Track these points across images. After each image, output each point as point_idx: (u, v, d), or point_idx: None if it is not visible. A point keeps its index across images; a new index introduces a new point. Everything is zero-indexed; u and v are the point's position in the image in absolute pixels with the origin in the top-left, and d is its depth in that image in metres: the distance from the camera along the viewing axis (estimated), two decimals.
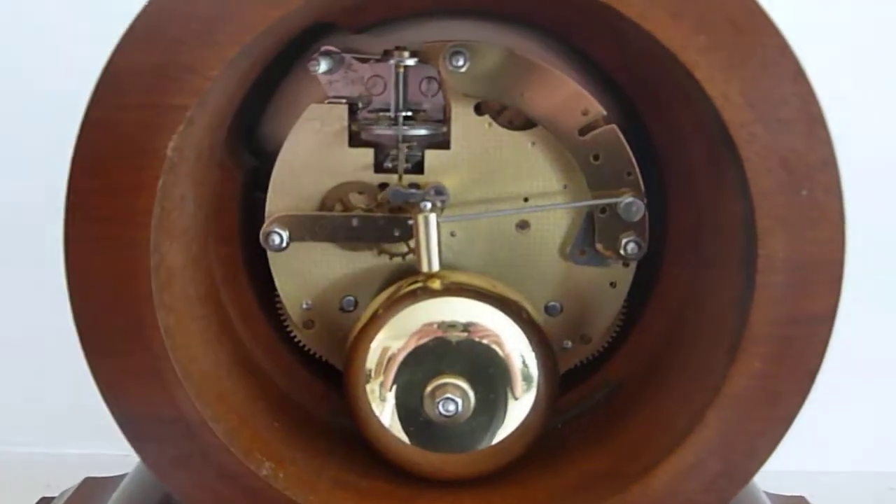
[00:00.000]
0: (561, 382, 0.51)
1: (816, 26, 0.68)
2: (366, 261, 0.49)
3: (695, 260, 0.48)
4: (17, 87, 0.71)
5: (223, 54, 0.37)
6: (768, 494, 0.60)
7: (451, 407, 0.44)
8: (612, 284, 0.49)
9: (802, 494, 0.60)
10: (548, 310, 0.49)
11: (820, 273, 0.39)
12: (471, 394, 0.44)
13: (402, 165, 0.46)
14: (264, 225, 0.47)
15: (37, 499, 0.59)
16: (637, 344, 0.51)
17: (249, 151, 0.50)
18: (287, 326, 0.50)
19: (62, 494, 0.57)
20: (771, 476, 0.78)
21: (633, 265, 0.49)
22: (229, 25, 0.37)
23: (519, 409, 0.45)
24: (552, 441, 0.50)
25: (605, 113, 0.45)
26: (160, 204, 0.39)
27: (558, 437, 0.50)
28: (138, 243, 0.39)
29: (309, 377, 0.51)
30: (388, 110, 0.46)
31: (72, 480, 0.58)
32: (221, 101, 0.42)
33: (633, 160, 0.46)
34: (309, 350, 0.50)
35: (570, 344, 0.50)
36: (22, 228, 0.69)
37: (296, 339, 0.50)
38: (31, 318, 0.61)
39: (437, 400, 0.44)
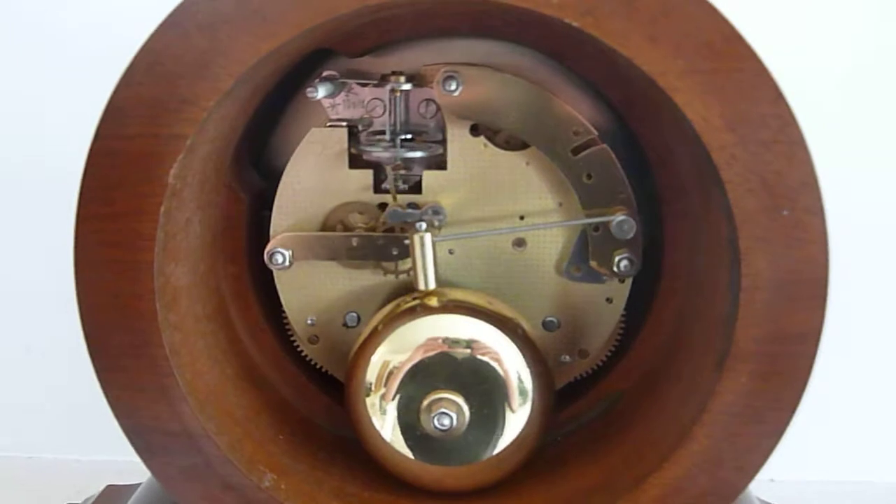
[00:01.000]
0: (560, 396, 0.52)
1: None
2: (367, 278, 0.50)
3: (690, 276, 0.49)
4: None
5: (218, 86, 0.39)
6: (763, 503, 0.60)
7: (446, 421, 0.45)
8: (609, 300, 0.50)
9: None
10: (545, 325, 0.50)
11: (804, 292, 0.40)
12: (465, 408, 0.45)
13: (395, 187, 0.48)
14: (268, 245, 0.48)
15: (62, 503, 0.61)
16: (635, 359, 0.52)
17: (258, 173, 0.52)
18: (294, 341, 0.52)
19: (87, 500, 0.60)
20: (766, 485, 0.79)
21: (629, 281, 0.49)
22: (223, 59, 0.38)
23: (515, 423, 0.46)
24: (550, 454, 0.51)
25: (596, 133, 0.46)
26: (163, 229, 0.41)
27: (557, 450, 0.51)
28: (142, 266, 0.41)
29: (315, 390, 0.53)
30: (393, 133, 0.48)
31: (98, 486, 0.61)
32: (223, 128, 0.44)
33: (625, 179, 0.47)
34: (315, 364, 0.52)
35: (567, 358, 0.51)
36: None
37: (302, 354, 0.52)
38: (60, 327, 0.64)
39: (433, 414, 0.45)
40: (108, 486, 0.60)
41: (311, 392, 0.53)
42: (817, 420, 0.79)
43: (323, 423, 0.52)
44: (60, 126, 0.68)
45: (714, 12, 0.37)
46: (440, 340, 0.46)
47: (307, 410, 0.52)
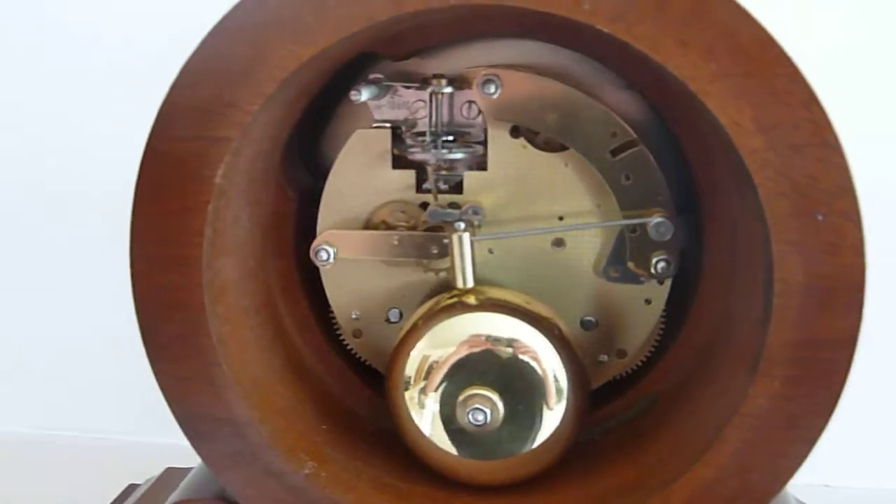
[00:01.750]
0: (600, 395, 0.53)
1: None
2: (409, 276, 0.52)
3: (729, 278, 0.48)
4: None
5: (261, 91, 0.41)
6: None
7: (480, 417, 0.46)
8: (648, 301, 0.50)
9: None
10: (583, 324, 0.51)
11: (839, 298, 0.39)
12: (500, 405, 0.46)
13: (436, 187, 0.49)
14: (314, 242, 0.50)
15: (126, 484, 0.65)
16: (673, 359, 0.52)
17: (310, 171, 0.54)
18: (339, 335, 0.54)
19: (147, 481, 0.63)
20: (820, 490, 0.77)
21: (668, 283, 0.50)
22: (264, 65, 0.40)
23: (549, 420, 0.47)
24: (588, 451, 0.51)
25: (634, 135, 0.46)
26: (212, 225, 0.43)
27: (595, 448, 0.52)
28: (192, 261, 0.43)
29: (358, 383, 0.54)
30: (435, 134, 0.49)
31: (159, 468, 0.64)
32: (269, 130, 0.46)
33: (664, 181, 0.47)
34: (359, 357, 0.54)
35: (605, 358, 0.51)
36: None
37: (348, 347, 0.54)
38: (124, 315, 0.67)
39: (467, 409, 0.46)
40: (168, 469, 0.63)
41: (354, 384, 0.54)
42: (874, 426, 0.78)
43: (366, 415, 0.54)
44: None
45: (746, 16, 0.37)
46: (478, 338, 0.47)
47: (351, 402, 0.54)
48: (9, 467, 0.78)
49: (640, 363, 0.52)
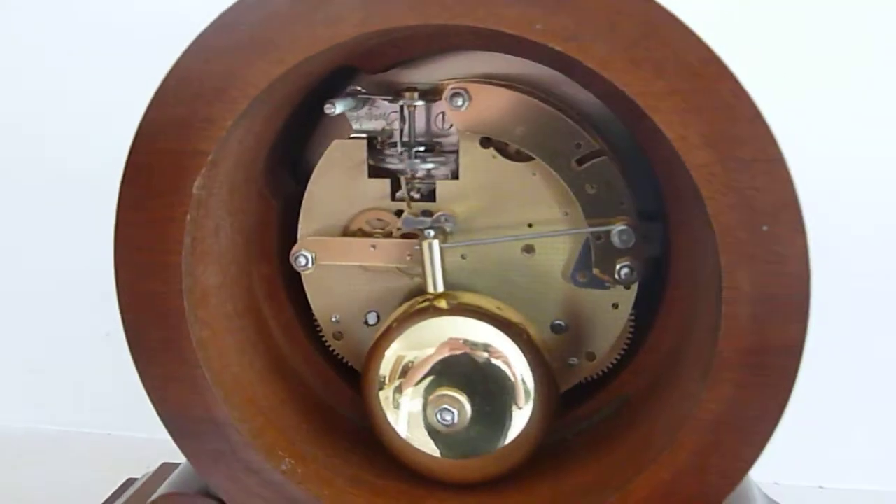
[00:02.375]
0: (572, 396, 0.55)
1: None
2: (387, 281, 0.53)
3: (693, 285, 0.50)
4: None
5: (235, 107, 0.43)
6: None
7: (448, 416, 0.48)
8: (615, 306, 0.52)
9: None
10: (554, 328, 0.53)
11: (786, 306, 0.41)
12: (467, 405, 0.48)
13: (409, 196, 0.51)
14: (293, 248, 0.52)
15: (125, 478, 0.68)
16: (642, 363, 0.53)
17: (296, 178, 0.56)
18: (323, 338, 0.56)
19: (144, 476, 0.66)
20: (815, 492, 0.78)
21: (635, 288, 0.51)
22: (238, 83, 0.42)
23: (518, 421, 0.49)
24: (560, 451, 0.53)
25: (597, 146, 0.48)
26: (190, 234, 0.45)
27: (566, 448, 0.54)
28: (171, 268, 0.45)
29: (341, 383, 0.57)
30: (407, 145, 0.51)
31: (156, 463, 0.67)
32: (248, 142, 0.48)
33: (627, 190, 0.48)
34: (341, 358, 0.56)
35: (575, 360, 0.53)
36: None
37: (330, 349, 0.56)
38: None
39: (436, 410, 0.48)
40: (164, 464, 0.65)
41: (337, 385, 0.57)
42: (869, 428, 0.79)
43: (348, 415, 0.56)
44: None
45: (692, 35, 0.39)
46: (449, 341, 0.49)
47: (333, 402, 0.56)
48: (11, 460, 0.81)
49: (610, 366, 0.54)
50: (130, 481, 0.67)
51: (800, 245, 0.40)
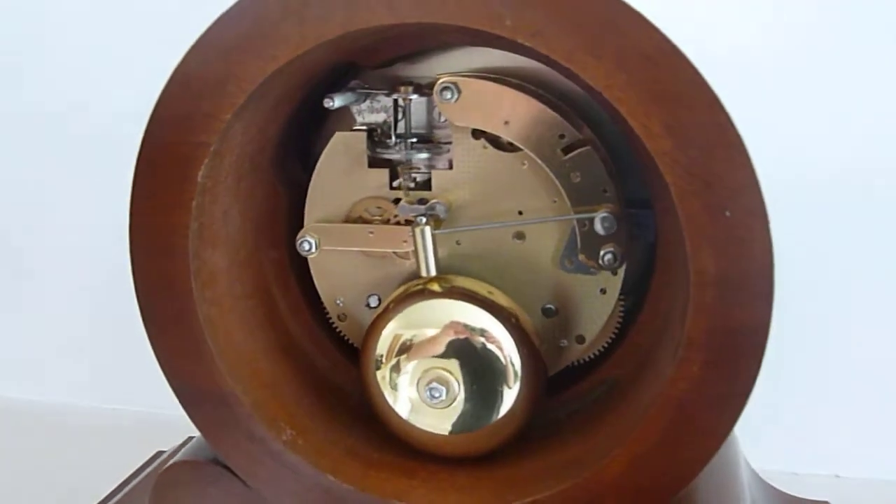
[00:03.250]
0: (565, 378, 0.57)
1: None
2: (387, 265, 0.56)
3: (676, 269, 0.51)
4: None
5: (233, 102, 0.46)
6: (793, 497, 0.62)
7: (437, 393, 0.51)
8: (603, 291, 0.53)
9: (827, 500, 0.61)
10: (544, 312, 0.55)
11: (750, 288, 0.42)
12: (455, 383, 0.51)
13: (406, 185, 0.54)
14: (298, 234, 0.56)
15: (154, 451, 0.72)
16: (631, 346, 0.55)
17: (305, 167, 0.59)
18: (329, 318, 0.59)
19: (172, 448, 0.70)
20: (831, 481, 0.78)
21: (621, 273, 0.53)
22: (235, 79, 0.46)
23: (506, 399, 0.51)
24: (550, 430, 0.55)
25: (580, 136, 0.50)
26: (197, 220, 0.49)
27: (558, 426, 0.56)
28: (179, 251, 0.49)
29: (346, 362, 0.60)
30: (403, 137, 0.54)
31: (184, 437, 0.71)
32: (252, 133, 0.51)
33: (609, 178, 0.50)
34: (346, 338, 0.59)
35: (566, 343, 0.55)
36: None
37: (337, 329, 0.59)
38: None
39: (427, 387, 0.51)
40: (189, 437, 0.69)
41: (343, 363, 0.60)
42: (886, 417, 0.78)
43: (352, 392, 0.59)
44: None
45: (652, 28, 0.41)
46: (440, 322, 0.51)
47: (339, 380, 0.60)
48: (47, 435, 0.87)
49: (601, 350, 0.56)
50: (160, 453, 0.71)
51: (761, 228, 0.42)
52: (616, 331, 0.55)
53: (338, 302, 0.58)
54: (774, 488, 0.62)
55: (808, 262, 0.78)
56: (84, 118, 0.89)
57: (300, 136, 0.58)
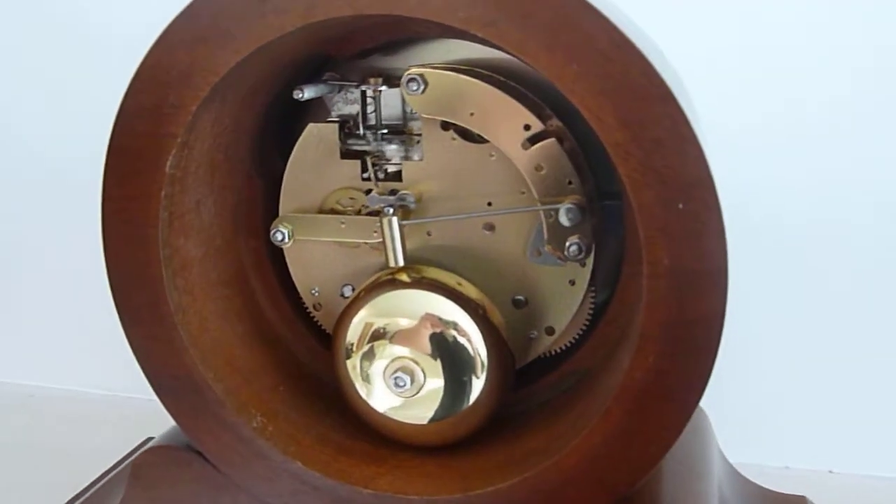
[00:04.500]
0: (536, 369, 0.57)
1: None
2: (360, 256, 0.57)
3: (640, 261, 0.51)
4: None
5: (198, 94, 0.47)
6: (769, 491, 0.61)
7: (402, 383, 0.51)
8: (572, 282, 0.54)
9: (804, 494, 0.61)
10: (514, 303, 0.55)
11: (704, 280, 0.42)
12: (420, 373, 0.51)
13: (375, 175, 0.54)
14: (272, 224, 0.57)
15: (144, 437, 0.74)
16: (601, 337, 0.55)
17: (284, 158, 0.60)
18: (306, 307, 0.60)
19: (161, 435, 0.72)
20: (825, 476, 0.78)
21: (590, 264, 0.53)
22: (200, 71, 0.46)
23: (473, 390, 0.52)
24: (520, 421, 0.56)
25: (543, 127, 0.50)
26: (167, 209, 0.50)
27: (527, 417, 0.56)
28: (150, 240, 0.50)
29: (324, 351, 0.60)
30: (373, 128, 0.55)
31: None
32: (224, 124, 0.52)
33: (573, 170, 0.50)
34: (323, 327, 0.60)
35: (535, 334, 0.55)
36: None
37: (313, 318, 0.60)
38: None
39: (392, 375, 0.52)
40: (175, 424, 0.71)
41: (319, 352, 0.61)
42: (879, 413, 0.78)
43: (328, 380, 0.60)
44: None
45: (604, 20, 0.41)
46: (407, 312, 0.52)
47: (316, 368, 0.60)
48: (41, 421, 0.89)
49: (572, 341, 0.56)
50: (150, 439, 0.73)
51: (715, 221, 0.41)
52: (587, 322, 0.55)
53: (313, 291, 0.59)
54: (750, 482, 0.62)
55: (800, 252, 0.77)
56: None
57: (280, 128, 0.59)
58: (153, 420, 0.78)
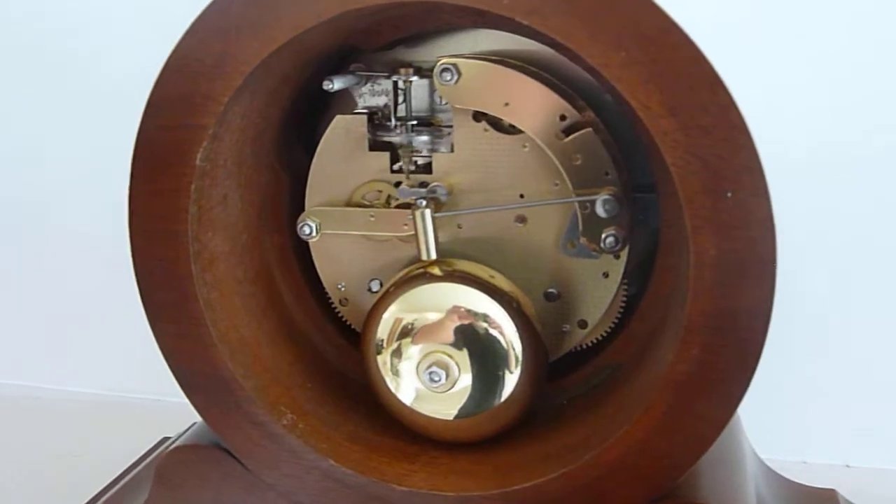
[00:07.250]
0: (568, 364, 0.57)
1: None
2: (388, 249, 0.56)
3: (679, 253, 0.51)
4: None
5: (230, 83, 0.46)
6: (798, 485, 0.61)
7: (437, 378, 0.50)
8: (605, 275, 0.53)
9: (834, 488, 0.61)
10: (547, 296, 0.54)
11: (750, 270, 0.42)
12: (455, 368, 0.51)
13: (406, 168, 0.53)
14: (299, 217, 0.56)
15: (161, 437, 0.73)
16: (635, 330, 0.55)
17: (309, 152, 0.59)
18: (332, 303, 0.59)
19: (178, 435, 0.71)
20: (840, 471, 0.78)
21: (624, 257, 0.52)
22: (232, 61, 0.46)
23: (507, 385, 0.51)
24: (553, 415, 0.55)
25: (581, 118, 0.49)
26: (196, 203, 0.49)
27: (560, 412, 0.55)
28: (179, 235, 0.49)
29: (350, 347, 0.60)
30: (403, 119, 0.54)
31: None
32: (251, 117, 0.51)
33: (610, 160, 0.50)
34: (349, 323, 0.59)
35: (567, 327, 0.55)
36: None
37: (339, 314, 0.59)
38: None
39: (427, 371, 0.51)
40: (194, 423, 0.70)
41: (346, 348, 0.60)
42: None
43: (355, 376, 0.59)
44: None
45: (651, 5, 0.40)
46: (441, 306, 0.51)
47: (342, 365, 0.59)
48: (56, 423, 0.87)
49: (604, 334, 0.55)
50: (166, 439, 0.72)
51: (763, 210, 0.41)
52: (619, 316, 0.55)
53: (339, 286, 0.58)
54: (781, 476, 0.61)
55: (822, 246, 0.77)
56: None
57: (304, 121, 0.58)
58: (160, 420, 0.78)
